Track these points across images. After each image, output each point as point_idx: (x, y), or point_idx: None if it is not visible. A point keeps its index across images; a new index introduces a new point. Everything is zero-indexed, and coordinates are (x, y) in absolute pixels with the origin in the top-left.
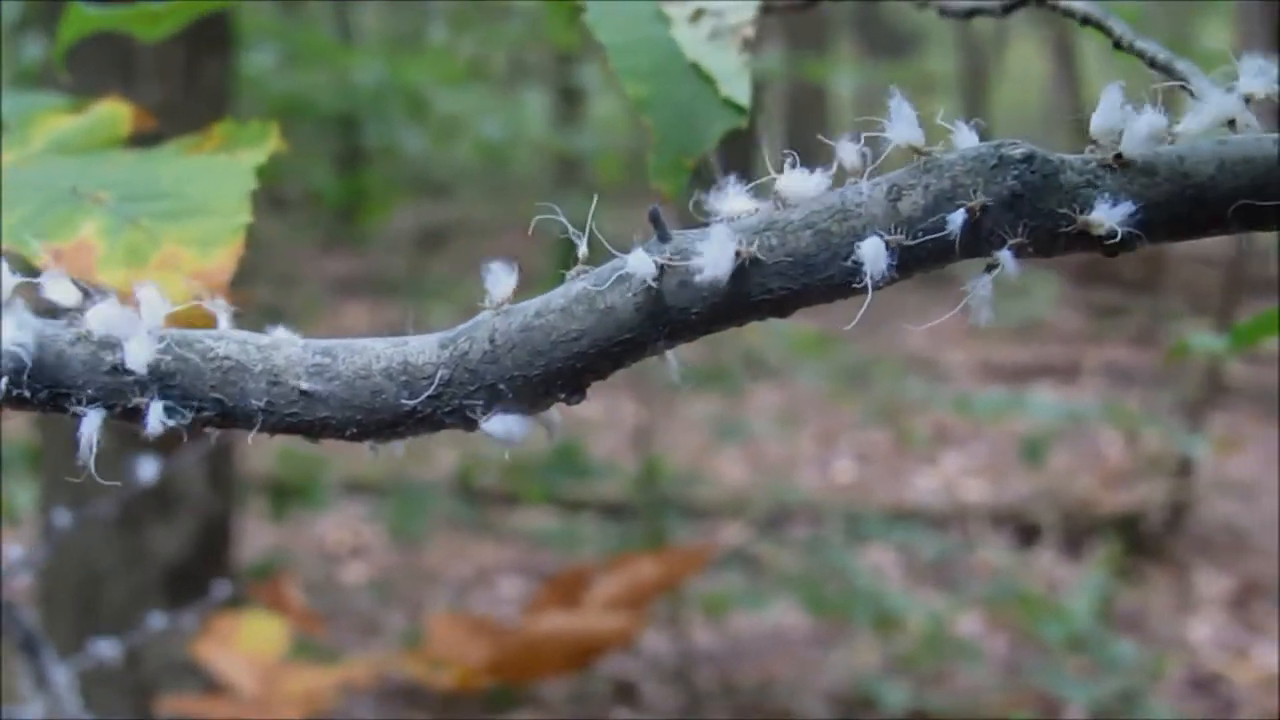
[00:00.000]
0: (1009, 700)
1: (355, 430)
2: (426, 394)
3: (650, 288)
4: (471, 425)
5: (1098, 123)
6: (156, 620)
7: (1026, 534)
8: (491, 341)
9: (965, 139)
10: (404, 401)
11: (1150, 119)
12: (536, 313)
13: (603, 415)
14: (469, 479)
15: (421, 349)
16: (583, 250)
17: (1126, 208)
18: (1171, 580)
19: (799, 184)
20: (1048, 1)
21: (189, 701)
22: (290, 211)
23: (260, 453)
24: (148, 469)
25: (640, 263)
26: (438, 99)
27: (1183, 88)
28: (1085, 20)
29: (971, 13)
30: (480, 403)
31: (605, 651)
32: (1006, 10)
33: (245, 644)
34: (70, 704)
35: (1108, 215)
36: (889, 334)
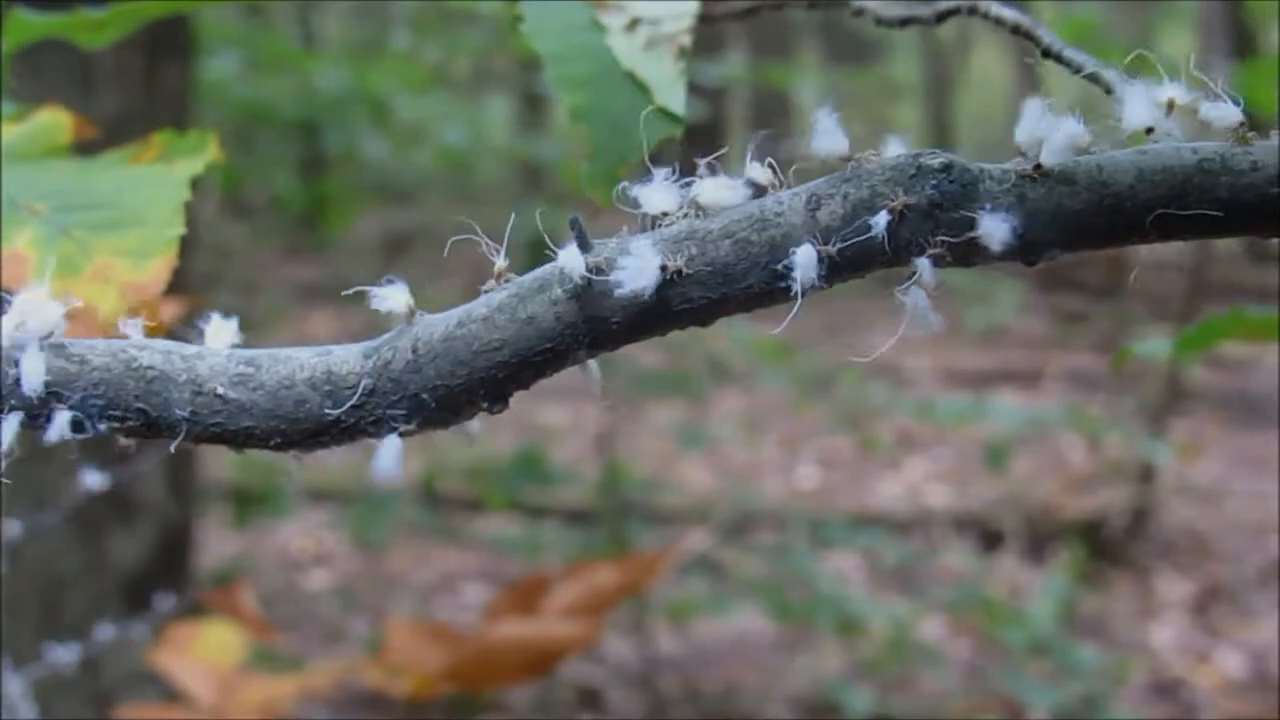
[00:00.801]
0: (972, 705)
1: (279, 440)
2: (350, 403)
3: (572, 297)
4: (394, 435)
5: (1021, 133)
6: (108, 630)
7: (989, 539)
8: (414, 351)
9: (894, 150)
10: (327, 411)
11: (1069, 130)
12: (459, 322)
13: (567, 421)
14: (432, 485)
15: (345, 359)
16: (500, 262)
17: (1045, 217)
18: (1133, 585)
19: (718, 193)
20: (979, 10)
21: (147, 710)
22: (253, 218)
23: (222, 460)
24: (94, 478)
25: (571, 264)
26: (400, 105)
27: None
28: (1015, 29)
29: (905, 21)
30: (403, 412)
31: (563, 658)
32: (939, 19)
33: (202, 652)
34: (24, 711)
35: (1021, 226)
36: (852, 340)
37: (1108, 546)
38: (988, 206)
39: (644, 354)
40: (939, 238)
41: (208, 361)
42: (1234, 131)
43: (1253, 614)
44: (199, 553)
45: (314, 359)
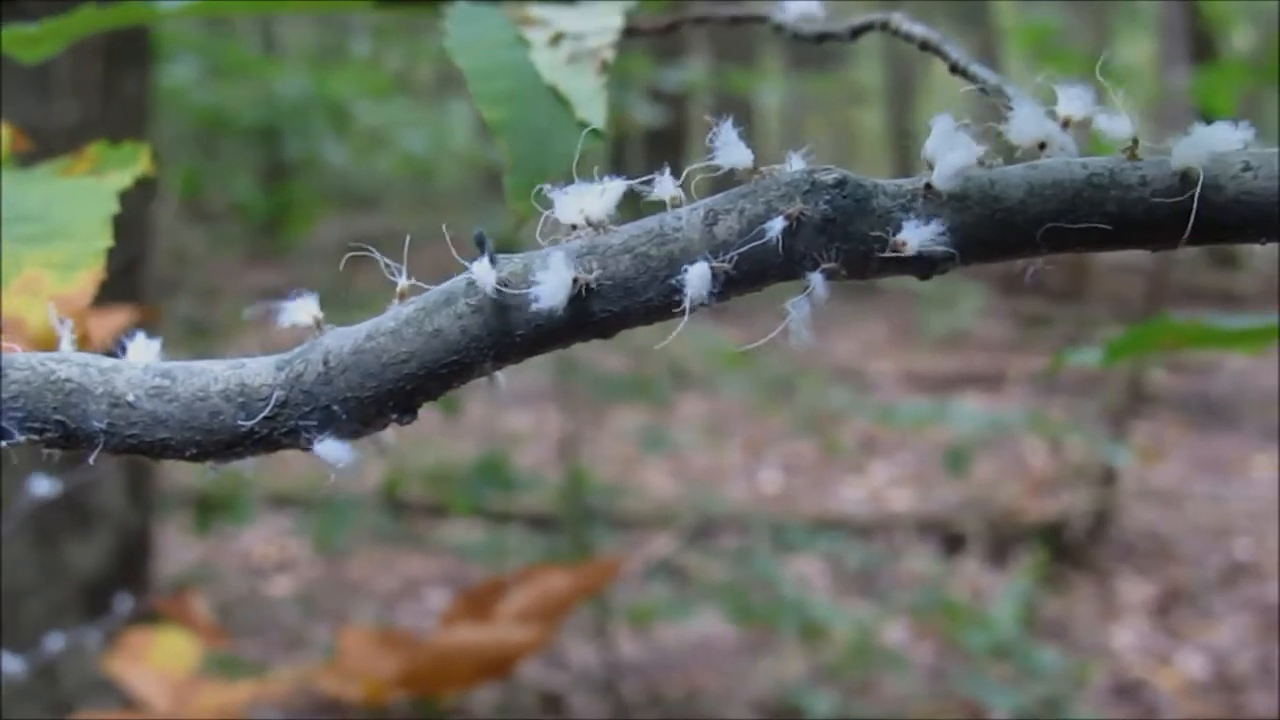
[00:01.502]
0: (934, 708)
1: (195, 451)
2: (263, 415)
3: (476, 311)
4: (307, 446)
5: (927, 149)
6: (60, 639)
7: (952, 542)
8: (325, 364)
9: (794, 166)
10: (241, 423)
11: (959, 155)
12: (368, 335)
13: (530, 427)
14: (394, 492)
15: (258, 371)
16: (403, 282)
17: (933, 231)
18: (1095, 588)
19: (594, 205)
20: (890, 27)
21: (103, 717)
22: (215, 224)
23: (184, 466)
24: (44, 485)
25: (484, 278)
26: (361, 111)
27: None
28: (924, 45)
29: (822, 37)
30: (315, 423)
31: (516, 662)
32: (854, 34)
33: (157, 659)
34: None
35: (915, 239)
36: (815, 344)
37: (1069, 549)
38: (881, 222)
39: (606, 359)
40: (833, 251)
41: (125, 374)
42: (1125, 146)
43: (1213, 616)
44: (160, 560)
45: (228, 371)
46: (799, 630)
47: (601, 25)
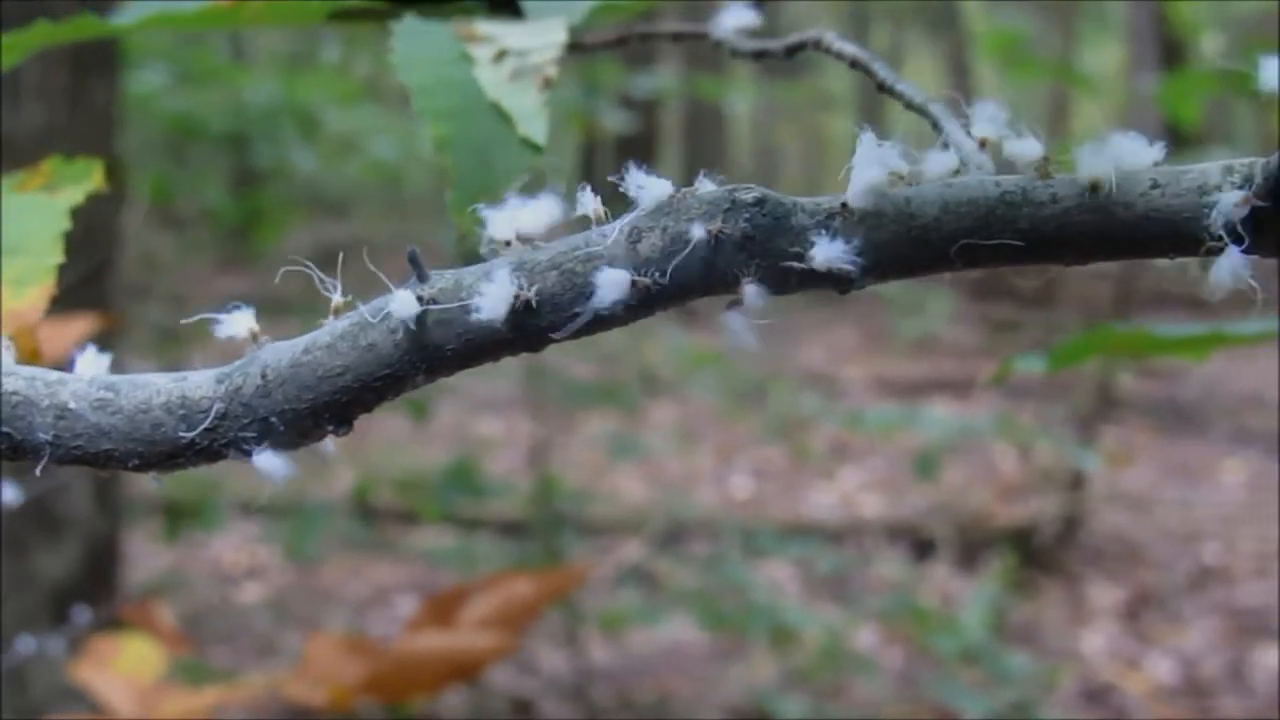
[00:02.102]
0: (904, 712)
1: (138, 462)
2: (203, 427)
3: (410, 327)
4: (246, 457)
5: (853, 164)
6: (29, 644)
7: (922, 548)
8: (263, 377)
9: (707, 188)
10: (182, 434)
11: (871, 173)
12: (305, 349)
13: (501, 433)
14: (365, 498)
15: (199, 384)
16: (336, 299)
17: (849, 248)
18: (1064, 592)
19: (537, 221)
20: (822, 46)
21: None
22: (184, 230)
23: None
24: (8, 493)
25: (402, 304)
26: (330, 118)
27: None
28: (854, 64)
29: (759, 54)
30: (254, 435)
31: (480, 669)
32: (789, 52)
33: (123, 666)
34: None
35: (831, 256)
36: (786, 350)
37: (1039, 554)
38: (800, 239)
39: (576, 365)
40: (753, 267)
41: (70, 387)
42: (1037, 165)
43: (1182, 620)
44: (130, 567)
45: (170, 384)
46: (769, 635)
47: (545, 42)
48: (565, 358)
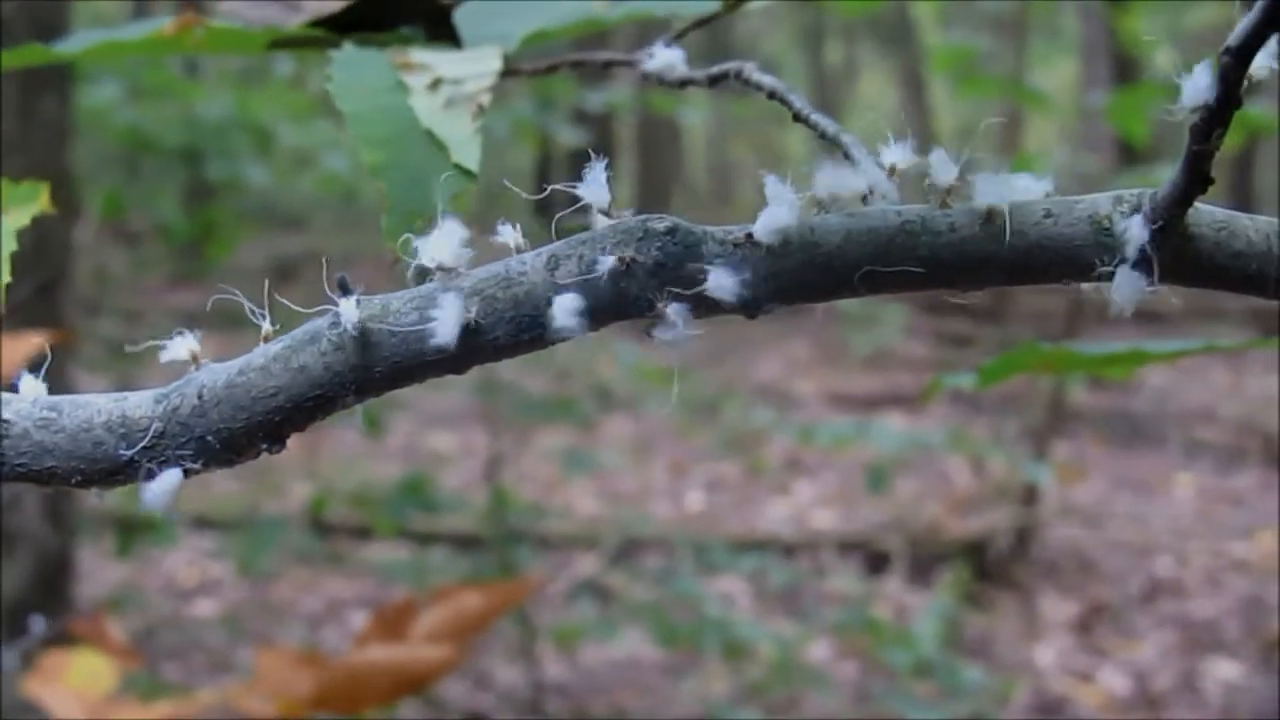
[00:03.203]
0: None
1: (79, 478)
2: (142, 445)
3: (338, 349)
4: (185, 474)
5: (770, 196)
6: None
7: (876, 561)
8: (200, 397)
9: (606, 220)
10: (122, 452)
11: (774, 212)
12: (239, 371)
13: (456, 447)
14: (319, 513)
15: (139, 404)
16: (266, 327)
17: (757, 275)
18: (1017, 605)
19: (452, 250)
20: (742, 77)
21: None
22: (137, 245)
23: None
24: None
25: (334, 324)
26: (284, 133)
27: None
28: (771, 95)
29: (684, 83)
30: (190, 453)
31: (429, 681)
32: (712, 82)
33: (74, 681)
34: None
35: (728, 284)
36: (740, 365)
37: (992, 567)
38: (710, 266)
39: (530, 379)
40: (665, 293)
41: (13, 407)
42: (939, 194)
43: (1135, 633)
44: (82, 582)
45: (110, 404)
46: (723, 649)
47: (480, 70)
48: (519, 373)
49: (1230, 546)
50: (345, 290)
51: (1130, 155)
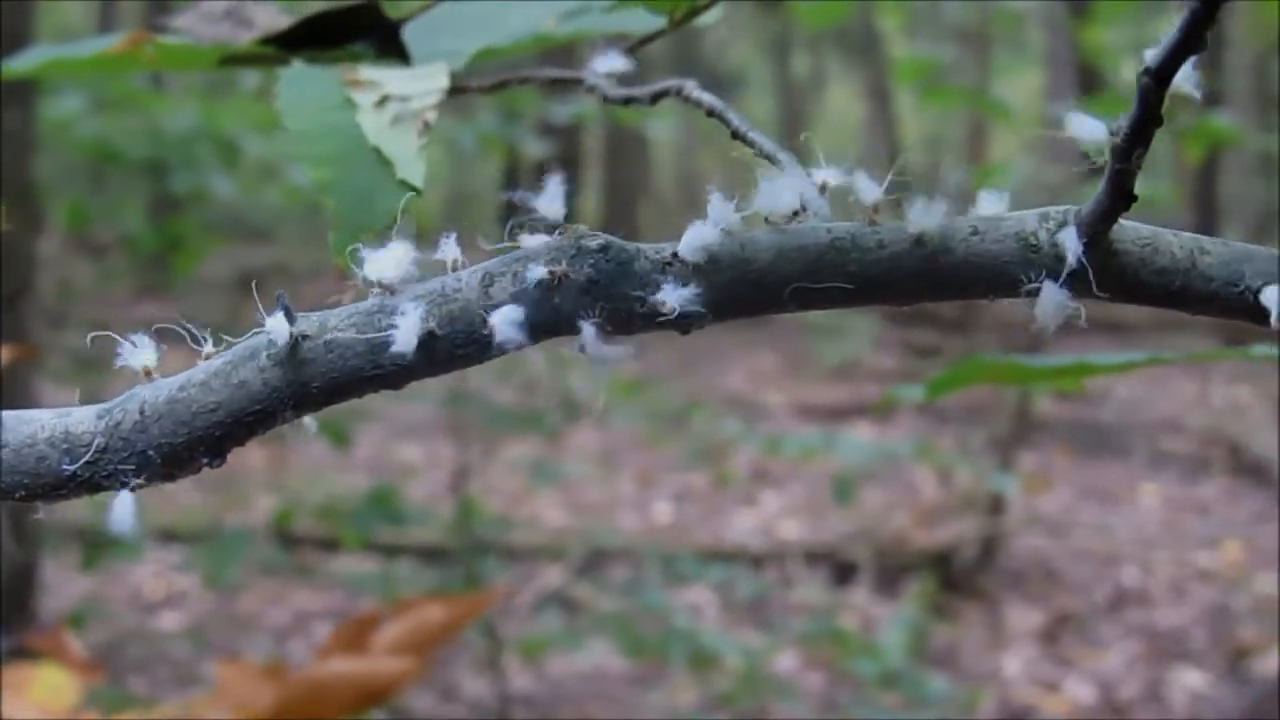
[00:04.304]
0: None
1: (23, 493)
2: (85, 460)
3: (276, 364)
4: (127, 489)
5: (710, 213)
6: None
7: (842, 572)
8: (141, 412)
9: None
10: (65, 467)
11: (700, 232)
12: (180, 386)
13: (422, 459)
14: (285, 525)
15: (82, 419)
16: (208, 348)
17: (688, 292)
18: (984, 615)
19: (390, 267)
20: (682, 94)
21: None
22: (102, 257)
23: (70, 502)
24: None
25: (271, 340)
26: (250, 145)
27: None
28: (710, 112)
29: (628, 100)
30: (132, 468)
31: (389, 694)
32: (654, 99)
33: (38, 694)
34: None
35: (671, 300)
36: (708, 375)
37: (958, 578)
38: (642, 283)
39: (497, 390)
40: (598, 309)
41: None
42: (866, 212)
43: (1101, 642)
44: (47, 595)
45: (54, 420)
46: (690, 660)
47: (427, 87)
48: (485, 383)
49: (1195, 556)
50: (283, 308)
51: (1095, 167)
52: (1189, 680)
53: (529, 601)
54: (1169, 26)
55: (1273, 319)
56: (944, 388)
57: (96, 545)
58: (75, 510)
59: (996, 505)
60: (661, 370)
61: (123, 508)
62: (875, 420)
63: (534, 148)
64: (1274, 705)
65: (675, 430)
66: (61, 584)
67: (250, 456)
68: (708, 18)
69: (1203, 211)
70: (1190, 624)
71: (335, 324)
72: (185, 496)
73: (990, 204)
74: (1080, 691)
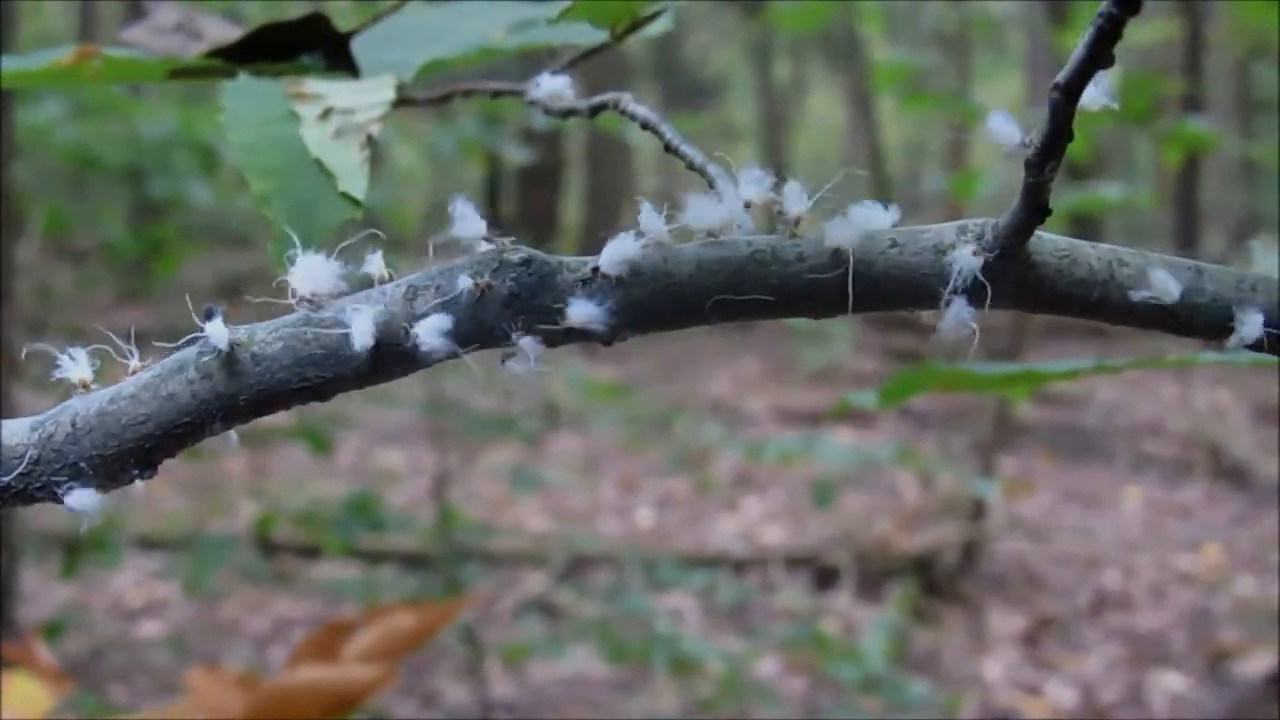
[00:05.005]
0: None
1: None
2: (18, 471)
3: (204, 377)
4: (59, 500)
5: (641, 224)
6: None
7: (824, 577)
8: (73, 425)
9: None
10: None
11: (620, 245)
12: (111, 399)
13: (404, 465)
14: (266, 532)
15: (15, 431)
16: (134, 363)
17: (609, 305)
18: (965, 620)
19: (320, 281)
20: (619, 107)
21: None
22: (82, 263)
23: (47, 509)
24: None
25: (218, 335)
26: (228, 151)
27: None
28: (644, 125)
29: (567, 113)
30: (65, 479)
31: (360, 701)
32: (593, 113)
33: (12, 703)
34: None
35: (581, 315)
36: (690, 381)
37: (940, 582)
38: (564, 296)
39: (477, 397)
40: (519, 322)
41: None
42: (790, 224)
43: (1082, 646)
44: (26, 604)
45: None
46: (671, 666)
47: (372, 100)
48: (466, 389)
49: (1177, 559)
50: (210, 319)
51: (1074, 170)
52: (1169, 683)
53: (510, 607)
54: (1082, 40)
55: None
56: (896, 395)
57: (76, 553)
58: (55, 518)
59: (978, 510)
60: (643, 376)
61: (84, 499)
62: (856, 425)
63: (515, 154)
64: (1254, 707)
65: (657, 436)
66: (41, 593)
67: (231, 463)
68: (654, 29)
69: (1184, 216)
70: (1171, 627)
71: (263, 337)
72: (166, 504)
73: (877, 219)
74: (1061, 695)
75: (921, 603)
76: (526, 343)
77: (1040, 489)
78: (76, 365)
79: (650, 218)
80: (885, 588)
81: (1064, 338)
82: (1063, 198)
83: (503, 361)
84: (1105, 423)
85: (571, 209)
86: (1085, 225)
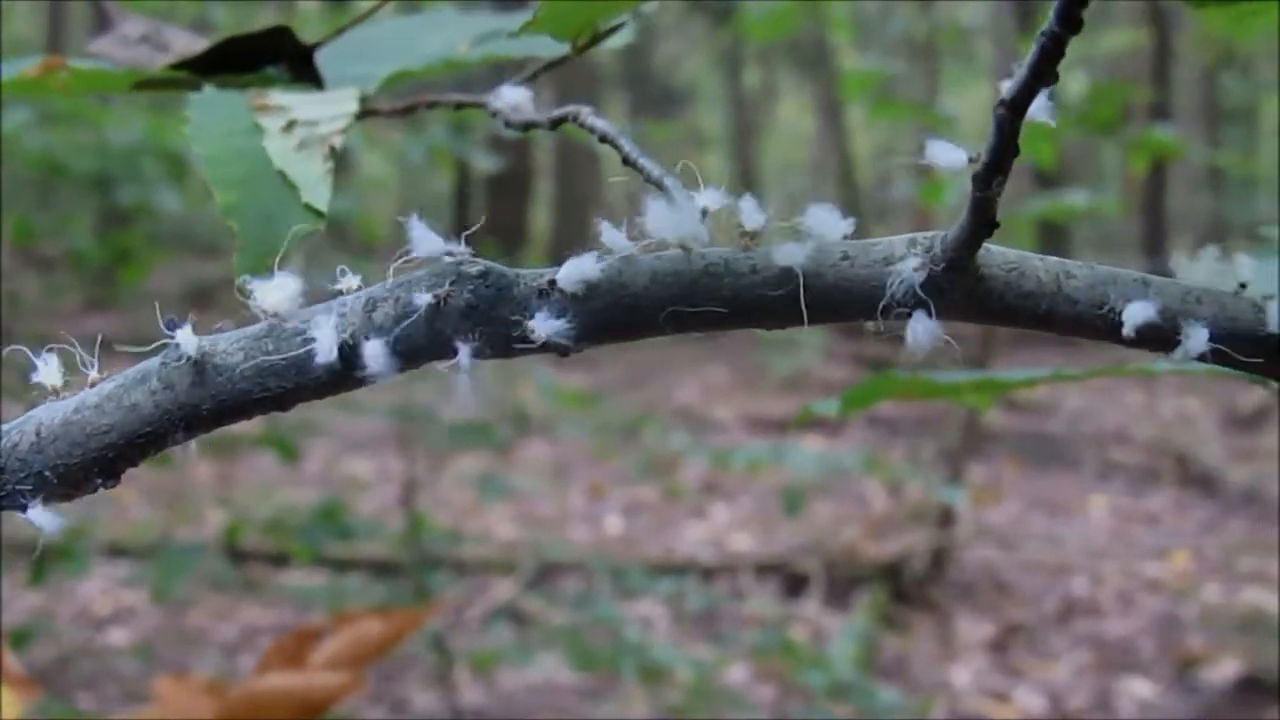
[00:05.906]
0: None
1: None
2: None
3: (167, 387)
4: (23, 509)
5: (605, 242)
6: None
7: (793, 584)
8: (38, 434)
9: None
10: None
11: (578, 264)
12: (75, 409)
13: (373, 473)
14: (235, 540)
15: None
16: (93, 374)
17: (565, 318)
18: (934, 627)
19: (277, 296)
20: (579, 119)
21: None
22: (49, 271)
23: (16, 517)
24: None
25: (188, 343)
26: (196, 159)
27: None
28: (603, 139)
29: (528, 125)
30: (30, 488)
31: (327, 707)
32: (553, 125)
33: None
34: None
35: (543, 329)
36: (659, 389)
37: (908, 589)
38: (521, 308)
39: (447, 404)
40: (477, 333)
41: None
42: (744, 237)
43: (1050, 653)
44: None
45: None
46: (641, 673)
47: (336, 112)
48: (435, 398)
49: (1144, 566)
50: (171, 329)
51: (1040, 179)
52: (1137, 690)
53: (479, 615)
54: (1028, 57)
55: (1127, 330)
56: (857, 403)
57: (44, 561)
58: (23, 525)
59: (946, 517)
60: (613, 384)
61: (39, 516)
62: (826, 432)
63: (484, 162)
64: (1222, 713)
65: (626, 443)
66: (8, 600)
67: (199, 471)
68: (614, 42)
69: (1151, 224)
70: (1138, 634)
71: (224, 347)
72: (134, 511)
73: (835, 225)
74: (1030, 701)
75: (890, 610)
76: (465, 353)
77: (1008, 496)
78: (49, 370)
79: (612, 235)
80: (854, 595)
81: (1035, 346)
82: (1030, 206)
83: (453, 366)
84: (1073, 430)
85: (541, 216)
86: (1053, 233)
